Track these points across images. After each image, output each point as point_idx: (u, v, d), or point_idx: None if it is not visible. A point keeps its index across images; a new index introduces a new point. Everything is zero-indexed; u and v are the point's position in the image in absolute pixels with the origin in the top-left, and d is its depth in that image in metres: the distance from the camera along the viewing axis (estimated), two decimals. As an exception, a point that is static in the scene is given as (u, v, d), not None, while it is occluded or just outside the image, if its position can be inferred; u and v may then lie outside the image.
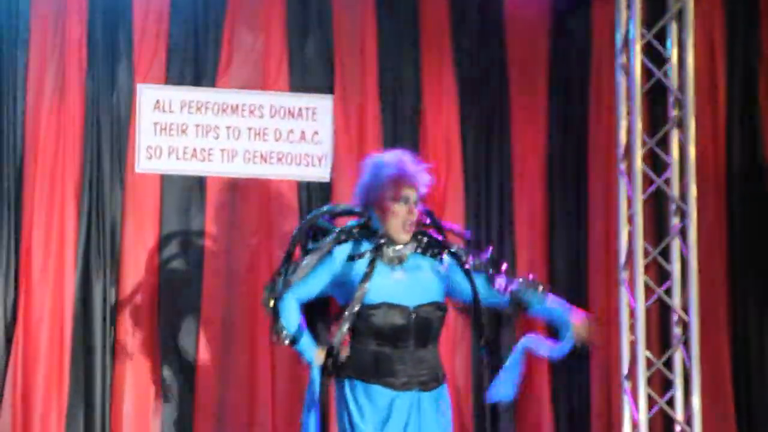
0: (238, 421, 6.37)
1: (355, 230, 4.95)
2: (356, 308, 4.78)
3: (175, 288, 6.42)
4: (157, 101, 6.51)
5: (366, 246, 4.89)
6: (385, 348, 4.82)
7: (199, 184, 6.53)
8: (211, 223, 6.49)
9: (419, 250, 4.94)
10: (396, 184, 4.85)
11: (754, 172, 6.98)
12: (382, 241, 4.88)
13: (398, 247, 4.88)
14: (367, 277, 4.80)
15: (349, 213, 5.09)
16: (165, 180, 6.49)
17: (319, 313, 5.06)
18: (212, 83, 6.58)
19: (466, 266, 4.91)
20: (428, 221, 5.04)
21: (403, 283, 4.86)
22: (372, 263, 4.83)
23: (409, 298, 4.83)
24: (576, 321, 4.99)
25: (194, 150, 6.55)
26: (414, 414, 4.84)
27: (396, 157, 4.94)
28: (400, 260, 4.86)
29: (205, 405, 6.33)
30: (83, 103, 6.37)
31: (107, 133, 6.41)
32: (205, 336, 6.37)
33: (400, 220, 4.87)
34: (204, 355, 6.36)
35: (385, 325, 4.80)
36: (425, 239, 4.96)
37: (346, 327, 4.80)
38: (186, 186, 6.52)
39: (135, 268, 6.35)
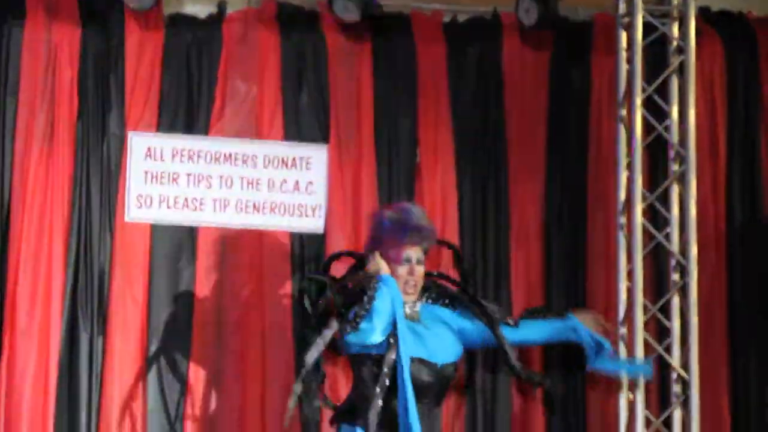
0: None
1: None
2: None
3: (164, 341, 6.29)
4: (148, 149, 6.40)
5: None
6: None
7: (190, 234, 6.42)
8: (202, 274, 6.38)
9: (429, 301, 4.80)
10: (398, 245, 4.69)
11: (755, 229, 6.90)
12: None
13: (408, 305, 4.72)
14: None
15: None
16: (155, 229, 6.38)
17: None
18: (205, 131, 6.49)
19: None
20: (435, 272, 4.89)
21: (426, 338, 4.68)
22: None
23: (435, 354, 4.67)
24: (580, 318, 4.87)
25: (186, 199, 6.44)
26: None
27: (399, 215, 4.76)
28: (412, 318, 4.71)
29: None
30: (73, 150, 6.28)
31: (97, 181, 6.32)
32: (194, 391, 6.24)
33: (401, 282, 4.72)
34: (193, 410, 6.23)
35: (414, 381, 4.59)
36: (435, 290, 4.82)
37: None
38: (177, 236, 6.41)
39: (123, 321, 6.23)
